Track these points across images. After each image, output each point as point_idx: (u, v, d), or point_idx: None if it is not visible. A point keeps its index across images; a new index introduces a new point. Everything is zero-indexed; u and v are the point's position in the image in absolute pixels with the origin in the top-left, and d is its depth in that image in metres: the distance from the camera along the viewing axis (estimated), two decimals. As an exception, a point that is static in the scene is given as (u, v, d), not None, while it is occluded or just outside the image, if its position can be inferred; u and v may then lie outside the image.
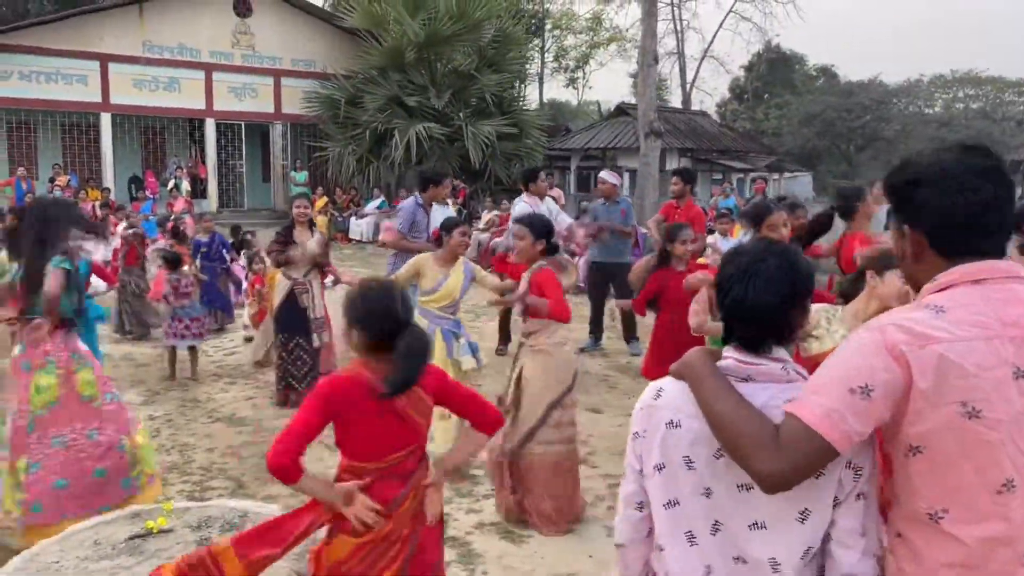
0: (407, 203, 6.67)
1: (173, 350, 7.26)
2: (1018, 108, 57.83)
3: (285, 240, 6.36)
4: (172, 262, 7.35)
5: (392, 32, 19.03)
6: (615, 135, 28.71)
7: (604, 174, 8.15)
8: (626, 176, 24.31)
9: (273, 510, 3.22)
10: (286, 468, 2.26)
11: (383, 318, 2.37)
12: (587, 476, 4.75)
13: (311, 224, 6.48)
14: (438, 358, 4.74)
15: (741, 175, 31.66)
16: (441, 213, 7.53)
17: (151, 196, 17.96)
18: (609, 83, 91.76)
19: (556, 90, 58.90)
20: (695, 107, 36.28)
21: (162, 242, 10.09)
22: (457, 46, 19.16)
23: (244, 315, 8.90)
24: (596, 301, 7.79)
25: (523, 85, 23.67)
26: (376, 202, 18.55)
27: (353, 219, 18.18)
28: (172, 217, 11.88)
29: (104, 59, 18.87)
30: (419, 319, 4.80)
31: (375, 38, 19.51)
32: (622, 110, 31.18)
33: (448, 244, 4.92)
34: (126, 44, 19.09)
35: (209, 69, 20.29)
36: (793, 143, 42.23)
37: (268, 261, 7.24)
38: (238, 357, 8.07)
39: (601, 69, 41.82)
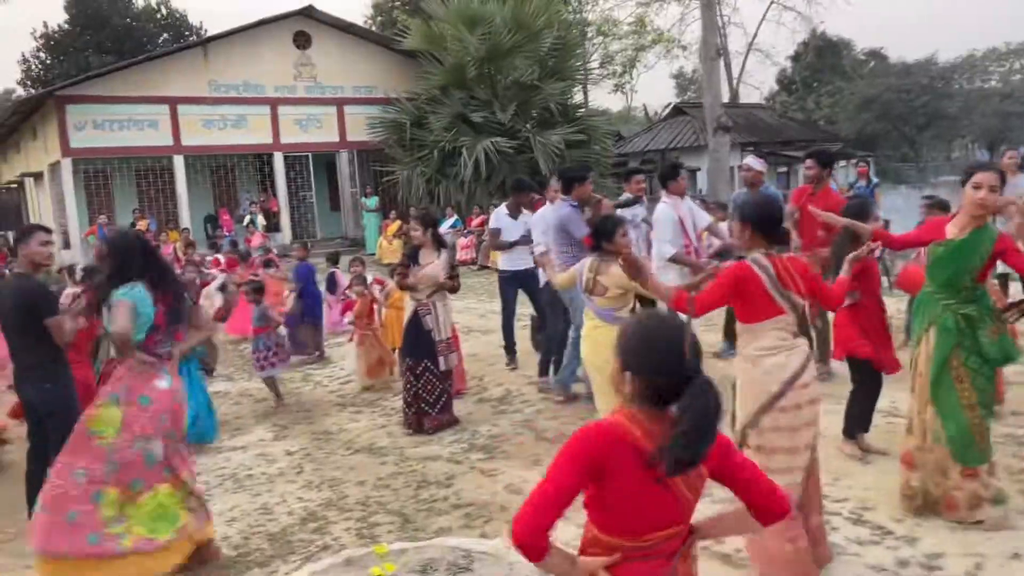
0: (567, 209, 6.19)
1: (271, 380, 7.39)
2: (1081, 75, 55.91)
3: (409, 261, 6.18)
4: (258, 292, 7.58)
5: (451, 50, 18.95)
6: (674, 135, 28.26)
7: (750, 160, 7.36)
8: (695, 176, 23.87)
9: (496, 546, 2.95)
10: (536, 548, 1.85)
11: (665, 364, 1.87)
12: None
13: (440, 243, 6.22)
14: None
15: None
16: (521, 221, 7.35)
17: (227, 233, 18.11)
18: (649, 86, 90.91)
19: (602, 96, 58.62)
20: (743, 101, 35.57)
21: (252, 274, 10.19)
22: (517, 58, 18.98)
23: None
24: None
25: (585, 92, 23.33)
26: (450, 221, 18.40)
27: (429, 240, 18.06)
28: (262, 250, 11.92)
29: (173, 102, 19.17)
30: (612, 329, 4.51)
31: (435, 58, 19.46)
32: (679, 110, 30.70)
33: (612, 247, 4.66)
34: (193, 86, 19.38)
35: (274, 103, 20.49)
36: (850, 129, 41.15)
37: (389, 283, 7.13)
38: (355, 385, 7.90)
39: (645, 72, 41.36)
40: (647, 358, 1.89)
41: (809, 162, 6.54)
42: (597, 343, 4.69)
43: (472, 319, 10.37)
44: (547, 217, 6.49)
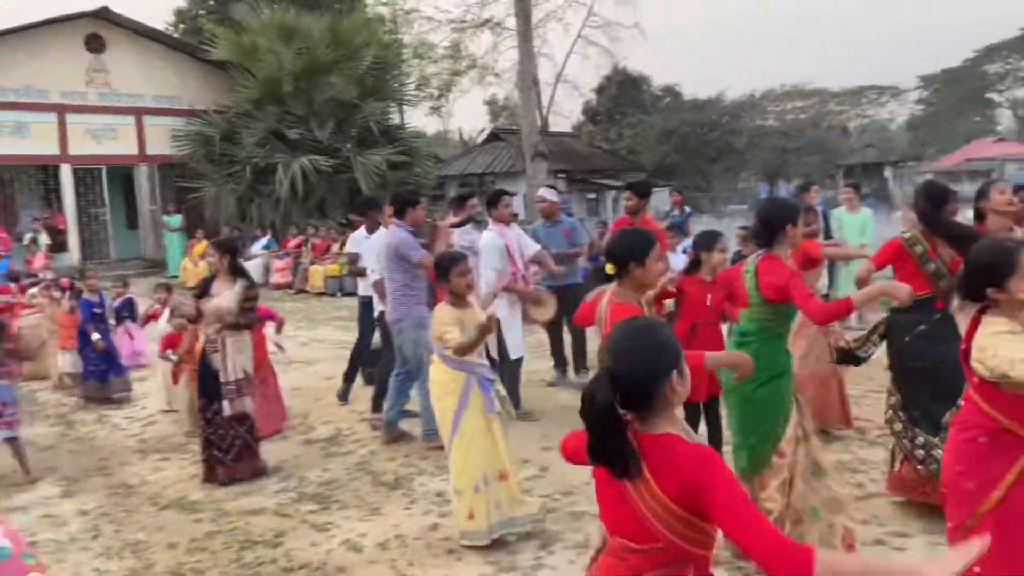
0: (402, 234, 5.83)
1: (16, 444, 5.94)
2: (841, 117, 62.79)
3: (202, 292, 5.59)
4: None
5: (265, 63, 18.05)
6: (491, 160, 28.63)
7: (543, 192, 7.59)
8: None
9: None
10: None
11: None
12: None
13: (238, 272, 5.62)
14: (473, 411, 4.13)
15: (614, 193, 32.33)
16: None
17: (5, 253, 16.09)
18: (465, 110, 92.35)
19: (418, 118, 58.62)
20: (554, 130, 36.82)
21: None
22: (336, 74, 18.40)
23: (158, 375, 7.89)
24: (555, 329, 7.28)
25: (401, 112, 23.05)
26: (262, 241, 17.43)
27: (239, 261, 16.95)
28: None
29: (-65, 104, 16.86)
30: (454, 373, 4.20)
31: (247, 70, 18.45)
32: (496, 135, 31.18)
33: (451, 286, 4.31)
34: (-39, 87, 17.14)
35: (61, 110, 18.52)
36: (651, 159, 43.60)
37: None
38: (160, 428, 7.08)
39: (460, 97, 41.71)
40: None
41: (628, 193, 6.85)
42: (433, 383, 4.39)
43: (292, 348, 9.68)
44: (381, 243, 6.15)
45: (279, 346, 6.63)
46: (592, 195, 31.75)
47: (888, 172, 44.55)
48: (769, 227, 3.64)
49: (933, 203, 4.15)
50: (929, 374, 4.22)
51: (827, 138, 50.93)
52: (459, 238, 6.63)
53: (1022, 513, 2.59)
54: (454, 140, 46.20)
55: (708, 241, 4.53)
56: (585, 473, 2.14)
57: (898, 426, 4.32)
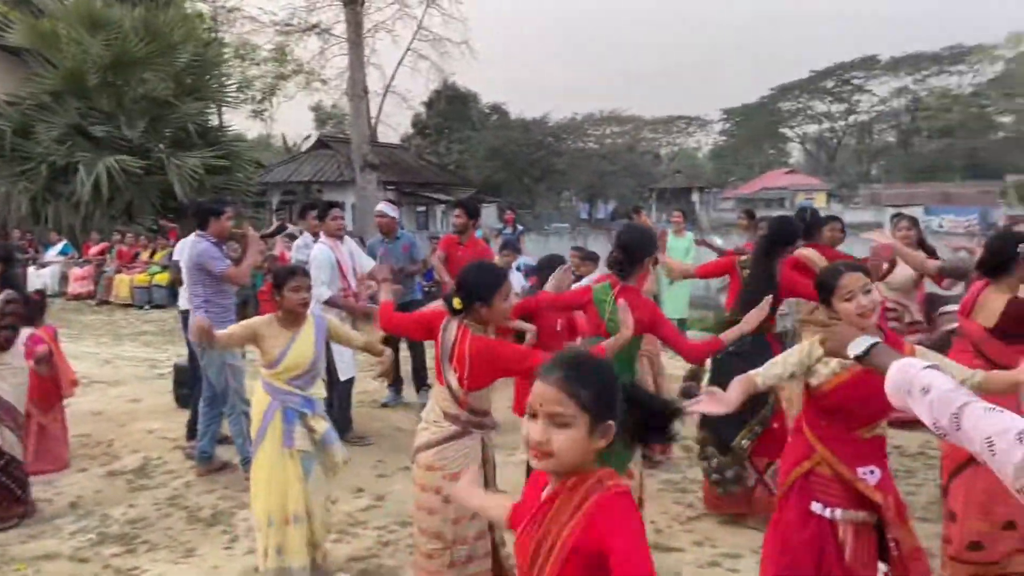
0: (203, 245, 5.37)
1: None
2: (655, 143, 66.73)
3: None
4: None
5: (67, 53, 16.50)
6: (318, 168, 27.84)
7: (382, 206, 7.39)
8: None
9: None
10: None
11: None
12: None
13: (7, 284, 4.92)
14: (270, 442, 3.81)
15: (444, 207, 32.38)
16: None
17: None
18: (289, 115, 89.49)
19: (239, 121, 56.09)
20: (383, 141, 36.47)
21: None
22: (149, 70, 17.13)
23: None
24: (391, 347, 7.05)
25: (220, 114, 21.85)
26: (58, 247, 15.86)
27: (32, 269, 15.31)
28: None
29: None
30: (263, 396, 3.88)
31: (47, 59, 16.79)
32: (323, 143, 30.37)
33: (283, 302, 3.97)
34: None
35: None
36: (479, 175, 44.18)
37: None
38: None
39: (285, 102, 40.16)
40: None
41: (459, 211, 6.80)
42: (252, 404, 4.07)
43: (91, 367, 8.81)
44: (184, 253, 5.74)
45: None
46: (422, 208, 31.67)
47: (695, 196, 47.71)
48: (631, 257, 3.63)
49: (772, 240, 4.36)
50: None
51: (641, 162, 53.91)
52: (296, 252, 6.26)
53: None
54: (277, 145, 44.57)
55: (556, 264, 4.51)
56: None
57: (704, 445, 4.57)
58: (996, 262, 3.56)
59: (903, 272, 5.56)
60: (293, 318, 3.92)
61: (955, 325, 7.15)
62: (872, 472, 2.77)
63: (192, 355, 6.52)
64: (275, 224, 6.58)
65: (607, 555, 1.54)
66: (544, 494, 1.72)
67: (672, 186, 48.15)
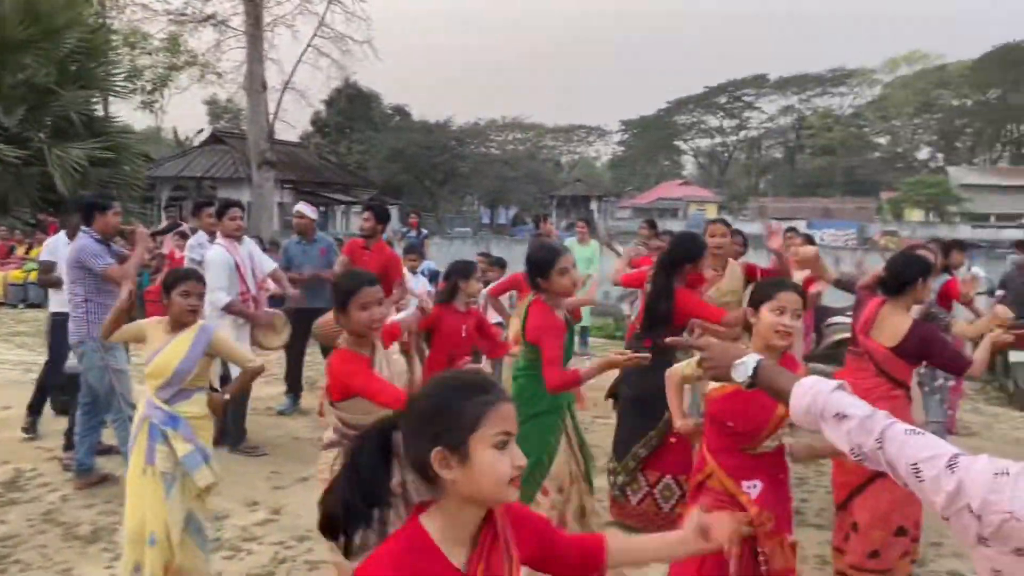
0: (84, 241, 5.03)
1: None
2: (555, 151, 67.75)
3: None
4: None
5: (-66, 31, 15.31)
6: (211, 164, 26.88)
7: (301, 207, 7.14)
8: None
9: None
10: None
11: None
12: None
13: None
14: (136, 455, 3.58)
15: (343, 207, 31.82)
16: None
17: None
18: (181, 108, 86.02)
19: (127, 112, 53.47)
20: (280, 138, 35.62)
21: None
22: (29, 54, 16.09)
23: None
24: (295, 353, 6.83)
25: (106, 104, 20.71)
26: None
27: None
28: None
29: None
30: (141, 404, 3.66)
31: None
32: (217, 138, 29.36)
33: (170, 307, 3.73)
34: None
35: None
36: (380, 177, 43.68)
37: None
38: None
39: (177, 94, 38.53)
40: None
41: (367, 214, 6.59)
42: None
43: (-42, 371, 8.18)
44: (58, 251, 5.45)
45: None
46: (322, 208, 31.08)
47: (594, 205, 48.60)
48: (541, 271, 3.58)
49: (672, 256, 4.42)
50: (627, 403, 4.58)
51: (542, 170, 54.53)
52: (189, 251, 5.96)
53: None
54: (168, 139, 42.73)
55: (465, 270, 4.46)
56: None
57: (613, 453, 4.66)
58: (897, 283, 3.70)
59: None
60: (179, 325, 3.69)
61: (842, 336, 7.52)
62: (755, 486, 2.78)
63: (54, 361, 6.12)
64: (166, 221, 6.27)
65: (545, 545, 1.63)
66: (461, 560, 1.49)
67: (572, 194, 48.86)
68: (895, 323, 3.65)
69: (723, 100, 67.91)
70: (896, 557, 3.63)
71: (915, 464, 1.34)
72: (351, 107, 46.58)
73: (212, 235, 6.20)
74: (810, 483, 5.45)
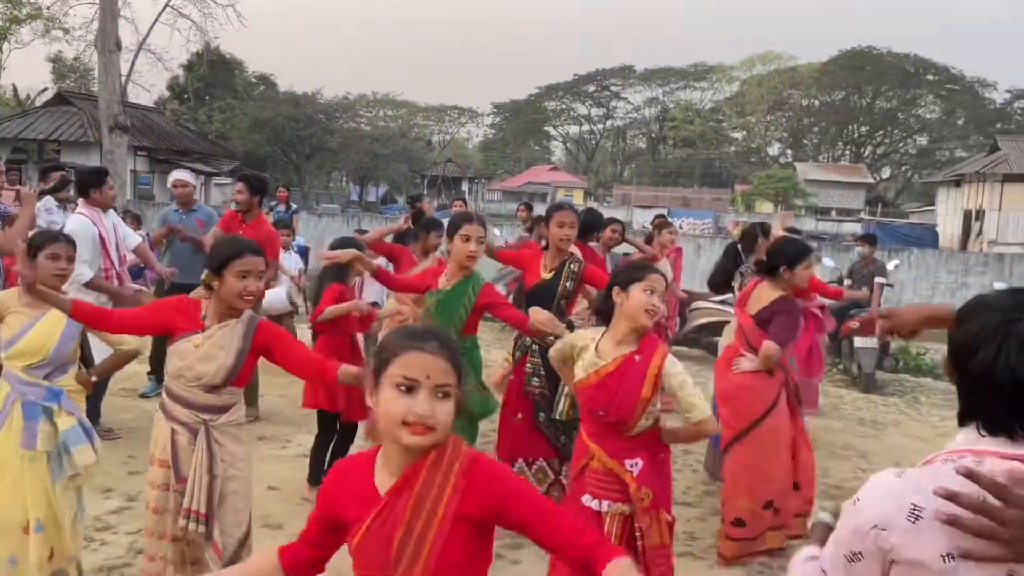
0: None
1: None
2: (427, 130, 67.26)
3: None
4: None
5: None
6: (57, 126, 25.05)
7: (179, 173, 6.77)
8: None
9: None
10: None
11: None
12: None
13: None
14: (8, 438, 3.31)
15: (203, 178, 30.37)
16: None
17: None
18: (22, 65, 79.27)
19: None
20: (134, 101, 33.61)
21: None
22: None
23: None
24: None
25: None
26: None
27: None
28: None
29: None
30: (2, 383, 3.36)
31: None
32: (63, 98, 27.33)
33: (37, 269, 3.35)
34: None
35: None
36: (242, 147, 41.99)
37: None
38: None
39: (18, 48, 35.50)
40: None
41: (240, 186, 6.14)
42: None
43: None
44: None
45: None
46: (177, 178, 29.47)
47: (465, 186, 48.67)
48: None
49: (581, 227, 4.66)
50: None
51: (414, 148, 53.90)
52: (37, 218, 5.50)
53: None
54: (7, 97, 39.31)
55: (350, 247, 4.39)
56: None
57: None
58: (770, 265, 4.15)
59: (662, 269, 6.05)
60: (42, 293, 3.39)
61: (705, 321, 7.91)
62: (636, 464, 2.85)
63: None
64: (53, 180, 5.79)
65: (505, 511, 1.57)
66: (384, 486, 1.60)
67: (443, 174, 48.70)
68: (760, 296, 4.12)
69: (591, 88, 69.36)
70: (762, 529, 3.92)
71: None
72: (212, 73, 44.40)
73: (62, 202, 5.77)
74: (677, 462, 5.71)
